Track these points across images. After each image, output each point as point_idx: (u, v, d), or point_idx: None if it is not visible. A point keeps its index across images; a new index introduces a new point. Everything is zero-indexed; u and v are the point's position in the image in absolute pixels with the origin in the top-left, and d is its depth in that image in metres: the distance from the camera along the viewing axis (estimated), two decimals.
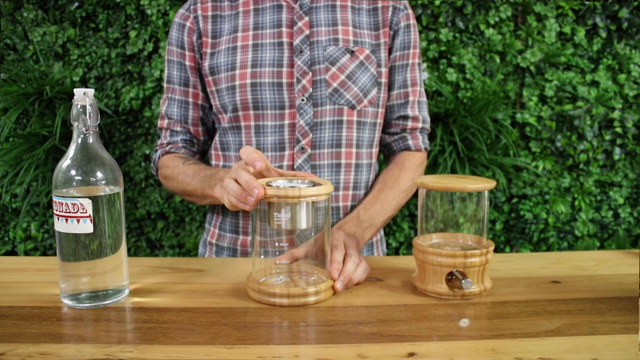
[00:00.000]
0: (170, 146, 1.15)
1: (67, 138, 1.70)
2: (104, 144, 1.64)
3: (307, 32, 1.06)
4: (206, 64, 1.09)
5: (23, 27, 1.77)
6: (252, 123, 1.07)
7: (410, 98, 1.15)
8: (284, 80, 1.05)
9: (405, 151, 1.17)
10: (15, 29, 1.77)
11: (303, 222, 0.77)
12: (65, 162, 0.75)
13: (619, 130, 1.83)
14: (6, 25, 1.77)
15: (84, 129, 0.75)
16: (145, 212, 1.83)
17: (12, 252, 1.90)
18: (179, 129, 1.15)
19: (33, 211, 1.84)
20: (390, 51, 1.13)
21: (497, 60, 1.80)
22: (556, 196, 1.87)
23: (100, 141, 0.77)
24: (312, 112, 1.05)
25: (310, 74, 1.05)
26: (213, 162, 1.17)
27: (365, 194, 1.14)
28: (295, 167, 1.07)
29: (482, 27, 1.79)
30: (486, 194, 0.83)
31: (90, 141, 0.76)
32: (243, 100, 1.05)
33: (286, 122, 1.05)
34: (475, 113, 1.72)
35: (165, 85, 1.15)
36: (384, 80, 1.11)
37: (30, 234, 1.86)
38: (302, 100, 1.04)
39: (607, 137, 1.84)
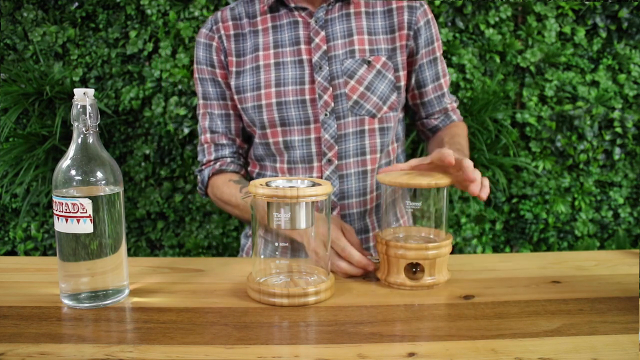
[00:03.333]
0: (219, 163, 1.16)
1: (67, 138, 1.69)
2: (104, 144, 1.64)
3: (324, 47, 1.09)
4: (232, 83, 1.12)
5: (23, 27, 1.77)
6: (280, 139, 1.11)
7: (445, 89, 1.20)
8: (307, 97, 1.08)
9: (450, 125, 1.24)
10: (15, 29, 1.77)
11: (302, 222, 0.77)
12: (65, 162, 0.75)
13: (619, 130, 1.83)
14: (6, 25, 1.77)
15: (84, 129, 0.75)
16: (145, 212, 1.83)
17: (12, 252, 1.90)
18: (225, 141, 1.17)
19: (33, 211, 1.84)
20: (415, 51, 1.15)
21: (497, 60, 1.80)
22: (556, 196, 1.87)
23: (100, 141, 0.77)
24: (335, 126, 1.09)
25: (331, 89, 1.08)
26: (249, 169, 1.20)
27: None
28: (323, 178, 1.11)
29: (482, 27, 1.79)
30: (445, 190, 0.87)
31: (90, 141, 0.76)
32: (270, 118, 1.09)
33: (312, 136, 1.09)
34: (475, 113, 1.72)
35: (201, 102, 1.17)
36: (402, 83, 1.14)
37: (30, 234, 1.86)
38: (325, 114, 1.08)
39: (607, 137, 1.84)
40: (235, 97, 1.13)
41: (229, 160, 1.16)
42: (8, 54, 1.78)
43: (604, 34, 1.80)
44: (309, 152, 1.10)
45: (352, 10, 1.11)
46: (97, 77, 1.79)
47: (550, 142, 1.85)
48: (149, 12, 1.74)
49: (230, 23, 1.13)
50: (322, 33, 1.09)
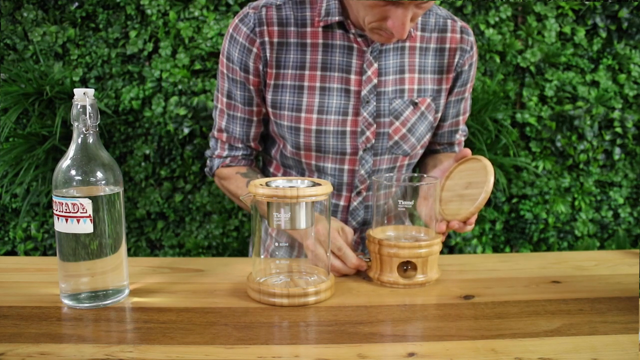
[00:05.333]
0: (230, 159, 1.14)
1: (67, 138, 1.69)
2: (104, 144, 1.64)
3: (375, 81, 1.03)
4: (269, 96, 1.05)
5: (23, 27, 1.77)
6: (314, 162, 1.08)
7: (460, 126, 1.19)
8: (348, 129, 1.04)
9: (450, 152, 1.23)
10: (15, 29, 1.77)
11: (302, 222, 0.77)
12: (65, 162, 0.75)
13: (619, 130, 1.83)
14: (6, 25, 1.77)
15: (84, 129, 0.75)
16: (145, 212, 1.83)
17: (12, 252, 1.90)
18: (240, 145, 1.13)
19: (33, 211, 1.84)
20: (450, 90, 1.12)
21: (497, 60, 1.80)
22: (556, 196, 1.87)
23: (100, 141, 0.77)
24: (372, 162, 1.07)
25: (375, 125, 1.05)
26: (271, 170, 1.18)
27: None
28: (350, 208, 1.11)
29: (482, 27, 1.79)
30: (436, 189, 0.88)
31: (90, 141, 0.76)
32: (307, 143, 1.05)
33: (346, 167, 1.07)
34: (475, 113, 1.72)
35: (224, 99, 1.09)
36: (436, 123, 1.14)
37: (30, 234, 1.86)
38: (364, 150, 1.06)
39: (607, 137, 1.84)
40: (270, 110, 1.06)
41: (240, 158, 1.14)
42: (8, 54, 1.78)
43: (604, 34, 1.80)
44: (340, 182, 1.09)
45: (407, 44, 1.05)
46: (97, 77, 1.79)
47: (550, 142, 1.85)
48: (149, 12, 1.74)
49: (276, 28, 1.01)
50: (375, 65, 1.03)
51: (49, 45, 1.77)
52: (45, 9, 1.77)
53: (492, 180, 0.87)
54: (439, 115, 1.12)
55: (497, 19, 1.79)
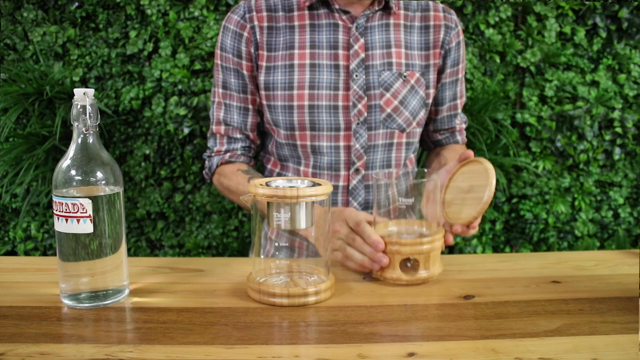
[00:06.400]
0: (229, 154, 1.14)
1: (67, 138, 1.69)
2: (104, 144, 1.64)
3: (362, 55, 1.07)
4: (262, 78, 1.09)
5: (23, 27, 1.77)
6: (309, 143, 1.09)
7: (458, 110, 1.21)
8: (340, 103, 1.06)
9: (453, 144, 1.25)
10: (15, 29, 1.77)
11: (302, 222, 0.77)
12: (65, 162, 0.75)
13: (619, 130, 1.83)
14: (6, 25, 1.77)
15: (84, 129, 0.75)
16: (145, 212, 1.83)
17: (12, 252, 1.90)
18: (238, 135, 1.14)
19: (33, 211, 1.84)
20: (442, 70, 1.15)
21: (497, 60, 1.80)
22: (556, 196, 1.87)
23: (100, 141, 0.77)
24: (366, 136, 1.08)
25: (366, 98, 1.07)
26: (269, 167, 1.19)
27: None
28: (350, 187, 1.10)
29: (482, 27, 1.79)
30: (437, 183, 0.87)
31: (90, 141, 0.76)
32: (300, 121, 1.07)
33: (341, 143, 1.08)
34: (475, 113, 1.72)
35: (220, 90, 1.13)
36: (430, 100, 1.15)
37: (30, 234, 1.86)
38: (357, 124, 1.07)
39: (607, 137, 1.84)
40: (263, 92, 1.10)
41: (239, 152, 1.15)
42: (8, 54, 1.78)
43: (604, 34, 1.80)
44: (337, 160, 1.09)
45: (391, 21, 1.10)
46: (97, 77, 1.79)
47: (550, 142, 1.85)
48: (149, 12, 1.74)
49: (264, 14, 1.09)
50: (362, 40, 1.07)
51: (49, 45, 1.77)
52: (45, 9, 1.77)
53: (494, 183, 0.87)
54: (431, 92, 1.13)
55: (497, 19, 1.79)
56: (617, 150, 1.85)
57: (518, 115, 1.82)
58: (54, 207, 0.74)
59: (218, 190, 1.19)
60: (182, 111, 1.76)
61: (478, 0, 1.78)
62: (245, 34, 1.08)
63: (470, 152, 0.94)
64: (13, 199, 1.85)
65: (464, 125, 1.26)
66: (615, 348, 0.64)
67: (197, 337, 0.66)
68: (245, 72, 1.10)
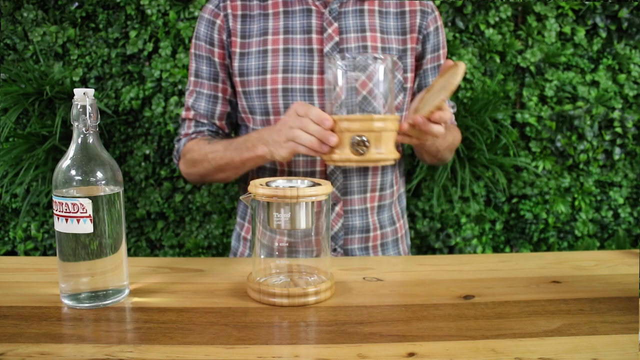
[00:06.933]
0: (195, 134, 1.16)
1: (67, 138, 1.69)
2: (104, 144, 1.64)
3: (336, 38, 1.08)
4: (236, 64, 1.10)
5: (23, 27, 1.77)
6: None
7: None
8: (315, 87, 1.07)
9: None
10: (15, 29, 1.77)
11: (302, 222, 0.77)
12: (65, 162, 0.75)
13: (619, 130, 1.83)
14: (6, 25, 1.77)
15: (84, 129, 0.75)
16: (145, 212, 1.83)
17: (12, 252, 1.90)
18: (205, 121, 1.16)
19: (33, 211, 1.84)
20: (422, 56, 1.15)
21: (497, 60, 1.80)
22: (556, 196, 1.87)
23: (100, 141, 0.77)
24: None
25: None
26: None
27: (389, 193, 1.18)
28: (327, 172, 1.10)
29: (482, 27, 1.79)
30: (388, 66, 0.84)
31: (90, 141, 0.76)
32: (274, 104, 1.08)
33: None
34: (475, 113, 1.72)
35: (192, 79, 1.15)
36: (409, 85, 1.14)
37: (30, 234, 1.86)
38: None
39: (607, 137, 1.84)
40: (238, 79, 1.11)
41: (206, 134, 1.15)
42: (8, 54, 1.78)
43: (604, 34, 1.80)
44: None
45: (366, 7, 1.11)
46: (97, 77, 1.79)
47: (550, 142, 1.85)
48: (149, 12, 1.74)
49: (239, 2, 1.11)
50: (336, 24, 1.08)
51: (49, 45, 1.77)
52: (45, 9, 1.77)
53: (458, 78, 0.81)
54: (409, 75, 1.13)
55: (497, 19, 1.79)
56: (617, 150, 1.85)
57: (518, 115, 1.82)
58: (54, 207, 0.74)
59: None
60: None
61: (478, 0, 1.78)
62: (218, 21, 1.10)
63: (449, 62, 0.91)
64: (13, 199, 1.85)
65: (452, 110, 1.23)
66: (615, 348, 0.64)
67: (197, 337, 0.66)
68: (216, 59, 1.12)
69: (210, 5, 1.12)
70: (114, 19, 1.77)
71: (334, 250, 1.12)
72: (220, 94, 1.14)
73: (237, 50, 1.10)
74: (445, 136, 1.11)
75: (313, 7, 1.09)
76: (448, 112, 0.88)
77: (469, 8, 1.78)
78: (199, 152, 1.11)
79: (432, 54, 1.15)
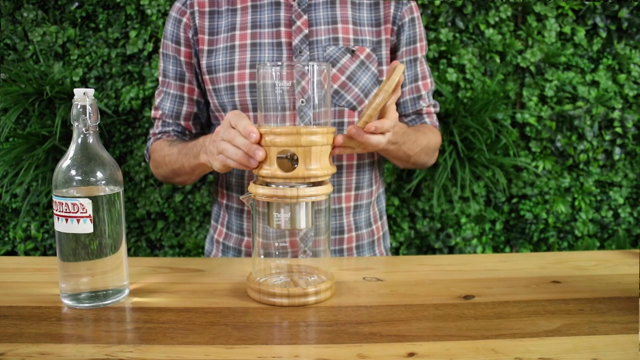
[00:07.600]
0: (161, 135, 1.15)
1: (67, 138, 1.69)
2: (104, 144, 1.64)
3: (306, 31, 1.05)
4: (203, 62, 1.08)
5: (23, 27, 1.77)
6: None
7: (422, 92, 1.16)
8: None
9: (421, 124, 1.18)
10: (15, 29, 1.77)
11: (302, 222, 0.77)
12: (65, 162, 0.75)
13: (619, 130, 1.83)
14: (6, 25, 1.77)
15: (84, 129, 0.75)
16: (145, 212, 1.83)
17: (12, 252, 1.90)
18: (170, 121, 1.15)
19: (33, 211, 1.84)
20: (396, 48, 1.12)
21: (497, 60, 1.80)
22: (556, 196, 1.87)
23: (100, 141, 0.77)
24: (311, 114, 1.04)
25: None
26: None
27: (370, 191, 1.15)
28: None
29: (482, 27, 1.79)
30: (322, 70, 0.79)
31: (90, 141, 0.76)
32: (242, 101, 1.06)
33: (286, 123, 1.04)
34: (475, 113, 1.72)
35: (160, 78, 1.14)
36: (384, 78, 1.11)
37: (30, 234, 1.86)
38: (302, 102, 1.03)
39: (607, 137, 1.84)
40: (207, 77, 1.09)
41: (172, 134, 1.15)
42: (8, 54, 1.78)
43: (604, 34, 1.80)
44: None
45: None
46: (97, 77, 1.79)
47: (550, 142, 1.85)
48: (149, 12, 1.74)
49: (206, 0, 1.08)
50: (305, 17, 1.05)
51: (49, 45, 1.77)
52: (45, 9, 1.77)
53: (393, 80, 0.74)
54: (384, 68, 1.09)
55: (497, 19, 1.79)
56: (617, 150, 1.85)
57: (518, 115, 1.82)
58: (54, 207, 0.74)
59: (157, 176, 1.16)
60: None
61: (478, 0, 1.78)
62: (185, 19, 1.08)
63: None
64: (13, 199, 1.85)
65: (432, 109, 1.19)
66: (615, 348, 0.64)
67: (197, 337, 0.66)
68: (182, 58, 1.10)
69: (178, 3, 1.10)
70: (114, 19, 1.77)
71: (304, 252, 1.05)
72: (186, 94, 1.12)
73: (205, 47, 1.08)
74: (417, 140, 1.07)
75: (282, 0, 1.06)
76: (388, 121, 0.81)
77: (469, 8, 1.78)
78: (159, 154, 1.10)
79: (407, 46, 1.12)
